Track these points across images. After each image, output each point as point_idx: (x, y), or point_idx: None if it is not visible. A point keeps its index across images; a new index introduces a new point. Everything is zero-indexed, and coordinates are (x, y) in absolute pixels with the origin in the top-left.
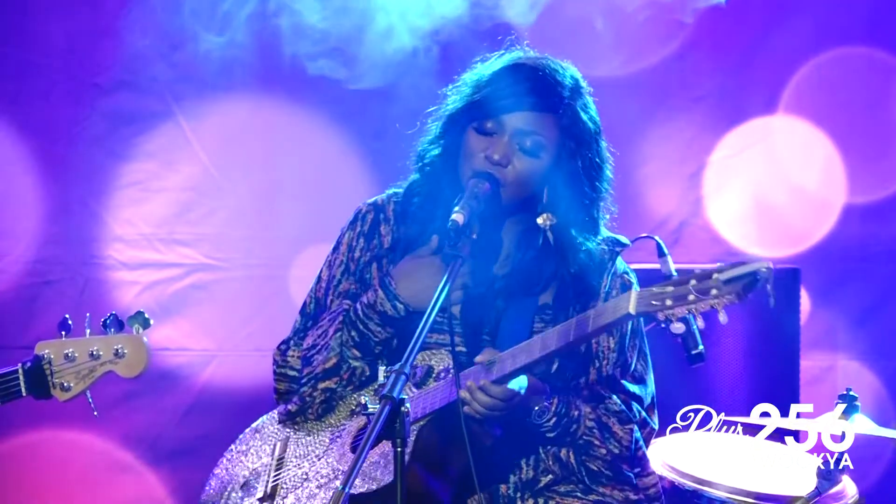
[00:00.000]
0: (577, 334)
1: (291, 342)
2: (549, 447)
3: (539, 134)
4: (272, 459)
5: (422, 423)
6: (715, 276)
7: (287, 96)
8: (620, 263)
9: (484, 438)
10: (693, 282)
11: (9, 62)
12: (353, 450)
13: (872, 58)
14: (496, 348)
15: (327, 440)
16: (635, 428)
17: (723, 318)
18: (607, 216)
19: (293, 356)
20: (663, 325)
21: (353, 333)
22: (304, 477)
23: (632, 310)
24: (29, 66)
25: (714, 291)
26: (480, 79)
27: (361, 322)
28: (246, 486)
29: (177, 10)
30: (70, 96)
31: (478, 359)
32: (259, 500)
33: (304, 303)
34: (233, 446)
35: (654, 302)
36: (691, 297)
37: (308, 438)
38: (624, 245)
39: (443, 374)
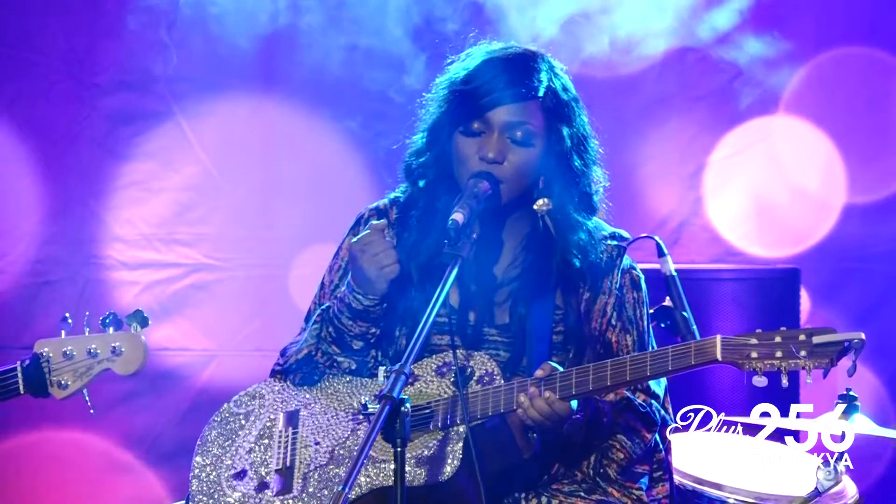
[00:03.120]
0: (656, 370)
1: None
2: (576, 455)
3: (527, 123)
4: (284, 431)
5: (477, 422)
6: (802, 336)
7: (287, 96)
8: (626, 259)
9: (525, 452)
10: (778, 339)
11: (9, 62)
12: (385, 439)
13: (872, 58)
14: (523, 353)
15: (349, 423)
16: (657, 429)
17: (809, 379)
18: (601, 190)
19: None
20: (747, 375)
21: (329, 329)
22: (329, 457)
23: (719, 356)
24: (29, 66)
25: (803, 353)
26: (455, 80)
27: (336, 318)
28: (253, 452)
29: (177, 9)
30: (70, 96)
31: (539, 373)
32: (276, 470)
33: (309, 310)
34: (228, 406)
35: (741, 351)
36: (778, 354)
37: (324, 417)
38: (626, 239)
39: (486, 379)
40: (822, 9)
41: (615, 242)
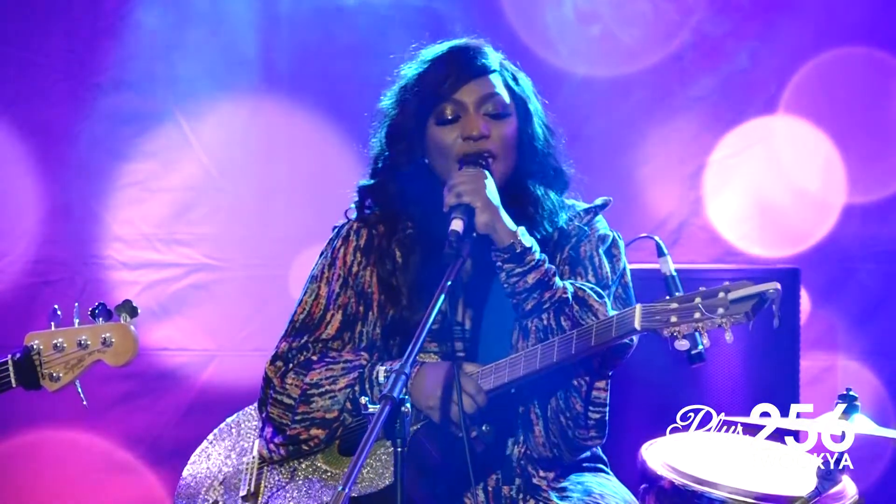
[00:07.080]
0: (581, 347)
1: (291, 366)
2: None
3: (496, 94)
4: (253, 458)
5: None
6: (721, 294)
7: (287, 96)
8: (602, 227)
9: (476, 445)
10: (698, 299)
11: (9, 62)
12: (341, 452)
13: (872, 58)
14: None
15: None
16: (608, 304)
17: (729, 337)
18: (571, 169)
19: (292, 384)
20: (668, 340)
21: (356, 389)
22: (290, 477)
23: (637, 325)
24: (29, 66)
25: (721, 310)
26: (411, 77)
27: (369, 383)
28: (226, 483)
29: (177, 9)
30: (70, 96)
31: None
32: (243, 498)
33: (293, 320)
34: (210, 437)
35: (658, 318)
36: (697, 315)
37: None
38: (601, 206)
39: None
40: (822, 9)
41: (583, 223)
